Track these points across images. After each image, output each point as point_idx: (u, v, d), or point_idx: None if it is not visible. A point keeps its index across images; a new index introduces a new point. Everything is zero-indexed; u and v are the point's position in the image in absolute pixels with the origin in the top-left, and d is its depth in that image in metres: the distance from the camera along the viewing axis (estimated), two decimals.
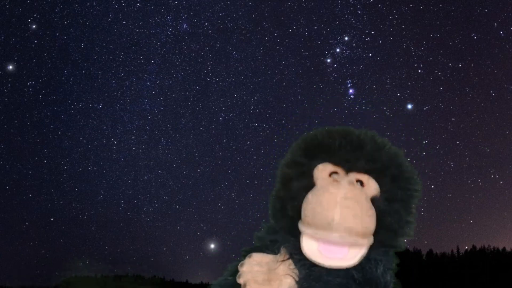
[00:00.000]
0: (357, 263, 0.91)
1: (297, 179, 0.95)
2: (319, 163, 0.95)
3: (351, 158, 0.94)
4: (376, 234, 0.91)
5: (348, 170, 0.94)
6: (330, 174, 0.94)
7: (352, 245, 0.88)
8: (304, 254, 0.90)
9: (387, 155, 0.96)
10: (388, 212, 0.93)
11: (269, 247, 0.98)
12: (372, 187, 0.93)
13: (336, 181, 0.91)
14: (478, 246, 32.92)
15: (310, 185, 0.94)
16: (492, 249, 32.16)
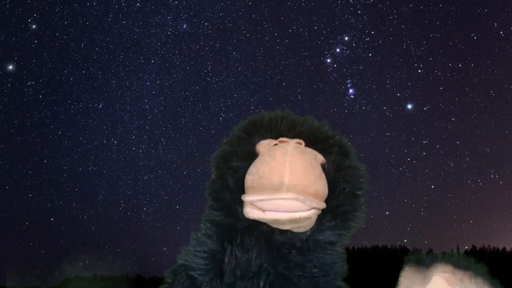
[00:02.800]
0: (306, 233, 0.83)
1: (239, 153, 0.88)
2: (262, 139, 0.89)
3: (294, 129, 0.91)
4: (327, 201, 0.83)
5: (292, 138, 0.88)
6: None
7: (304, 208, 0.80)
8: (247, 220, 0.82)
9: (328, 130, 0.94)
10: (338, 179, 0.86)
11: (197, 264, 0.86)
12: (319, 156, 0.87)
13: (282, 141, 0.86)
14: (478, 246, 32.95)
15: (253, 155, 0.87)
16: (492, 249, 32.18)
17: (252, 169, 0.83)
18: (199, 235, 0.89)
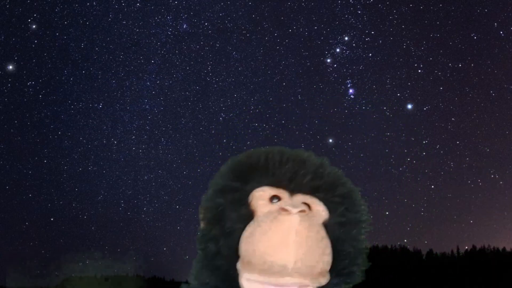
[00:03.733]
0: None
1: (231, 209, 0.78)
2: (256, 187, 0.79)
3: (294, 176, 0.79)
4: (332, 265, 0.76)
5: (292, 191, 0.79)
6: (271, 199, 0.78)
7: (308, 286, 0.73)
8: None
9: (331, 172, 0.83)
10: (343, 239, 0.79)
11: None
12: (321, 210, 0.79)
13: (284, 210, 0.75)
14: (478, 246, 32.94)
15: (247, 215, 0.77)
16: (492, 249, 32.17)
17: (250, 239, 0.74)
18: None
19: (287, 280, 0.70)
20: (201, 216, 0.82)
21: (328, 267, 0.75)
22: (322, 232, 0.75)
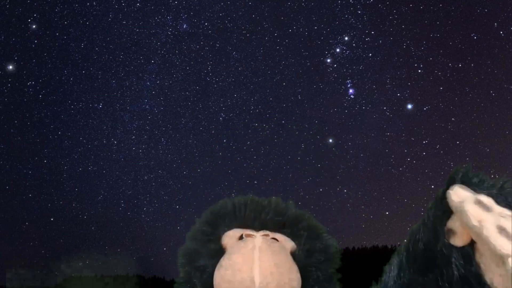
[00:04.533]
0: None
1: (203, 249, 0.84)
2: (227, 230, 0.85)
3: (260, 216, 0.86)
4: None
5: (259, 229, 0.85)
6: (241, 237, 0.83)
7: None
8: None
9: (295, 212, 0.88)
10: (311, 266, 0.82)
11: None
12: (287, 240, 0.84)
13: (248, 235, 0.81)
14: None
15: (219, 251, 0.83)
16: None
17: (221, 269, 0.78)
18: None
19: None
20: (179, 265, 0.86)
21: (297, 286, 0.76)
22: (289, 258, 0.79)
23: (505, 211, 0.58)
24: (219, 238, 0.84)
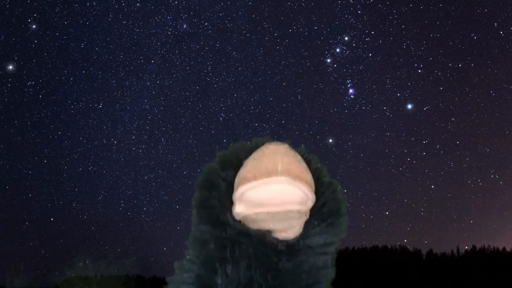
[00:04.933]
0: (294, 238, 0.80)
1: (228, 163, 0.85)
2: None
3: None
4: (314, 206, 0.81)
5: None
6: None
7: (298, 197, 0.78)
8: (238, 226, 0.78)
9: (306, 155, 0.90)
10: (321, 184, 0.84)
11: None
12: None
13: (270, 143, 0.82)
14: (478, 246, 32.95)
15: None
16: (492, 249, 32.18)
17: (243, 167, 0.80)
18: (184, 262, 0.86)
19: (279, 178, 0.74)
20: (200, 179, 0.86)
21: (313, 186, 0.78)
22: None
23: None
24: (241, 160, 0.84)
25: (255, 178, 0.76)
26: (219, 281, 0.81)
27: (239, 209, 0.79)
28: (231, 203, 0.81)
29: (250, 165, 0.78)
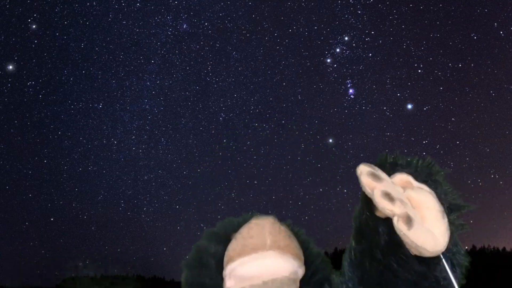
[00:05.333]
0: None
1: (217, 238, 0.88)
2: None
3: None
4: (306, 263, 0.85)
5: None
6: None
7: (287, 269, 0.80)
8: None
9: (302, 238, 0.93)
10: (316, 256, 0.89)
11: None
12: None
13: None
14: (478, 246, 32.98)
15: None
16: (492, 249, 32.20)
17: (232, 242, 0.83)
18: None
19: (269, 253, 0.77)
20: (190, 258, 0.88)
21: (302, 259, 0.81)
22: (294, 237, 0.84)
23: (389, 180, 0.69)
24: (230, 235, 0.87)
25: (243, 254, 0.78)
26: None
27: (230, 285, 0.80)
28: (222, 279, 0.82)
29: (238, 242, 0.80)
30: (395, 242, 0.71)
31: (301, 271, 0.82)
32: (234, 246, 0.81)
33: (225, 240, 0.85)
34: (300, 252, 0.82)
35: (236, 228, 0.86)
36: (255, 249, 0.78)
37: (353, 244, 0.78)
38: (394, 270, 0.72)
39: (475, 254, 32.46)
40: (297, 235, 0.87)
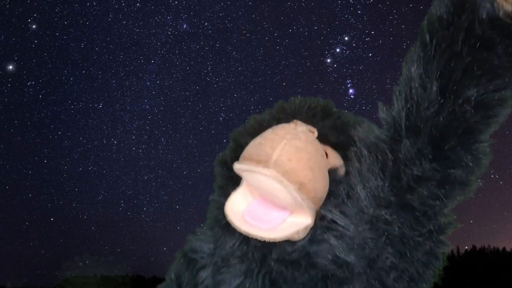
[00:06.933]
0: (298, 242, 0.71)
1: (251, 131, 0.83)
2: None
3: (311, 121, 0.79)
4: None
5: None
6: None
7: (285, 196, 0.68)
8: (226, 216, 0.72)
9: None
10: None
11: (200, 247, 0.83)
12: (333, 155, 0.78)
13: (294, 123, 0.74)
14: (478, 246, 32.93)
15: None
16: (492, 249, 32.17)
17: (251, 141, 0.73)
18: (207, 222, 0.85)
19: (265, 171, 0.66)
20: (231, 138, 0.90)
21: (312, 189, 0.68)
22: (319, 161, 0.70)
23: None
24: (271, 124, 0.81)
25: (247, 160, 0.69)
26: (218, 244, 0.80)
27: (230, 198, 0.75)
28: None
29: (253, 143, 0.71)
30: (499, 21, 0.66)
31: (306, 204, 0.69)
32: (249, 145, 0.72)
33: (259, 132, 0.76)
34: (311, 184, 0.68)
35: (272, 123, 0.80)
36: (257, 160, 0.68)
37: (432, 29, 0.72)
38: (494, 44, 0.68)
39: (475, 254, 32.42)
40: (344, 127, 0.81)
